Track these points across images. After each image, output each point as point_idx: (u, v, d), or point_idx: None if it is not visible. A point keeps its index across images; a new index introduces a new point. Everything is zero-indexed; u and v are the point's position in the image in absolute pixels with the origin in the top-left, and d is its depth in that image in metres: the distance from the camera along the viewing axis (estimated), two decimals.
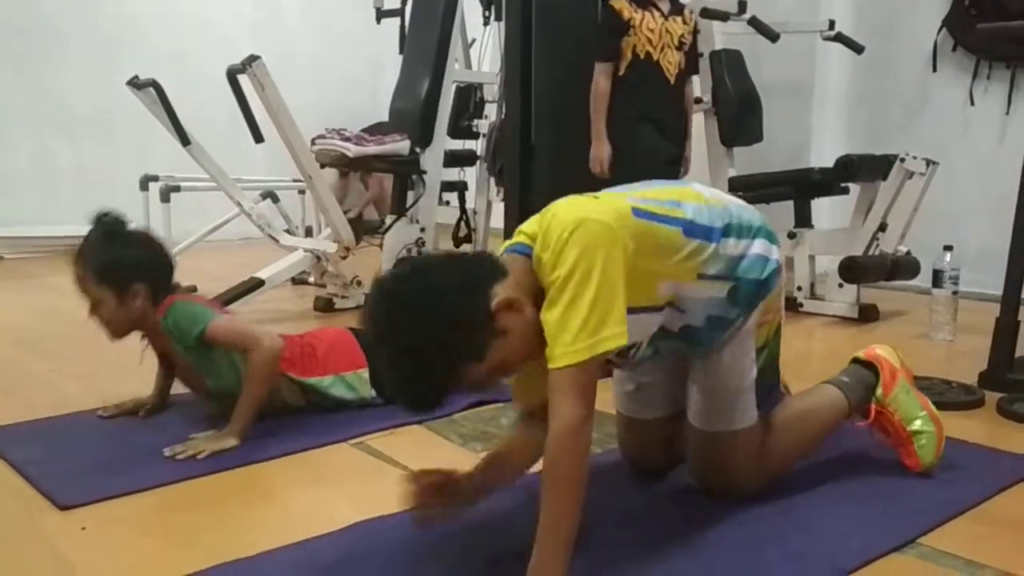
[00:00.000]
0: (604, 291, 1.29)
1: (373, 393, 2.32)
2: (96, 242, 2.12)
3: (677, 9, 3.29)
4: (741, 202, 1.69)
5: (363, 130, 4.36)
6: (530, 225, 1.43)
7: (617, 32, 3.19)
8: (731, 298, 1.56)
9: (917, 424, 1.79)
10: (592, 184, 3.23)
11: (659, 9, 3.22)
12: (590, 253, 1.30)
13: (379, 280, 1.36)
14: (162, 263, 2.20)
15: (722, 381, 1.62)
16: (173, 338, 2.14)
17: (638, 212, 1.42)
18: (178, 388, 2.38)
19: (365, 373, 2.31)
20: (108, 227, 2.13)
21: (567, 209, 1.38)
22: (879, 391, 1.80)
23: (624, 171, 3.09)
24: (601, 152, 3.23)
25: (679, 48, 3.26)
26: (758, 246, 1.60)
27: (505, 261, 1.40)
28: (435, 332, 1.28)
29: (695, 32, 3.36)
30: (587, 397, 1.29)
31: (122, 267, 2.11)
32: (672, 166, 3.28)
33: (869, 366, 1.83)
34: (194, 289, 2.84)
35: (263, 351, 2.11)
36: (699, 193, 1.60)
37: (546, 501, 1.25)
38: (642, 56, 3.19)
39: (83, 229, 2.15)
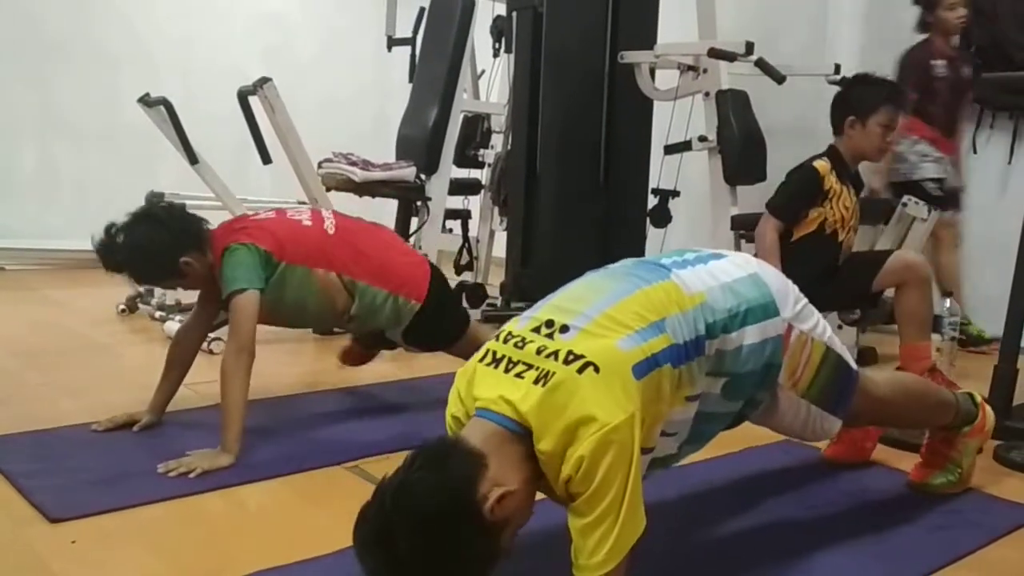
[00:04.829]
0: (632, 497, 1.24)
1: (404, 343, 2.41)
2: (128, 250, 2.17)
3: (858, 187, 2.96)
4: (727, 273, 1.52)
5: None
6: (518, 400, 1.27)
7: (810, 198, 2.79)
8: (726, 393, 1.47)
9: (956, 472, 1.96)
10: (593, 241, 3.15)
11: (854, 187, 2.87)
12: (615, 470, 1.23)
13: (368, 534, 1.21)
14: (184, 229, 2.29)
15: (783, 424, 1.63)
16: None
17: (637, 370, 1.30)
18: (174, 405, 2.37)
19: (417, 306, 2.34)
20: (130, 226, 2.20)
21: (577, 406, 1.24)
22: (966, 429, 1.95)
23: None
24: None
25: (855, 230, 2.93)
26: (751, 334, 1.46)
27: (479, 431, 1.28)
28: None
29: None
30: None
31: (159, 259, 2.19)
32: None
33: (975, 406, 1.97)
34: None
35: (228, 351, 2.13)
36: (679, 290, 1.43)
37: None
38: (828, 232, 2.81)
39: (85, 243, 2.16)
